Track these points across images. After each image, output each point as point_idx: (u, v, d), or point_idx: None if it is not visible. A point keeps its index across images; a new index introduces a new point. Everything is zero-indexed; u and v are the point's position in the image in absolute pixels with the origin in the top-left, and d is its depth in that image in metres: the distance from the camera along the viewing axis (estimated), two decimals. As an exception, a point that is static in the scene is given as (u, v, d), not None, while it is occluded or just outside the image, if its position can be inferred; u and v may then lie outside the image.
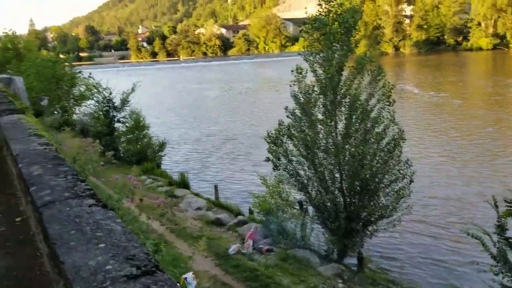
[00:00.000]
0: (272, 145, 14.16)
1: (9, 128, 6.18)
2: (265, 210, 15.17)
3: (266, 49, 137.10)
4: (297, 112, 13.88)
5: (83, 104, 31.13)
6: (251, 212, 16.75)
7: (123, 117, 25.77)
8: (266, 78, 59.67)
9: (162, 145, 25.07)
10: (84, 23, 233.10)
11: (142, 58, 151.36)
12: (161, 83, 60.79)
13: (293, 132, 13.87)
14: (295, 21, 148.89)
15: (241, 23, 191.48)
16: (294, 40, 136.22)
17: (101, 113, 25.96)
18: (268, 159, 13.37)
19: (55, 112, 31.30)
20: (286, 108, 13.99)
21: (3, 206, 5.10)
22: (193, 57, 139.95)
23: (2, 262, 3.65)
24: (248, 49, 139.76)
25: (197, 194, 18.86)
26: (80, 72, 32.54)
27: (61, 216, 2.73)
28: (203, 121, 33.92)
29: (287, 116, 14.14)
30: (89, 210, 2.80)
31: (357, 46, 14.18)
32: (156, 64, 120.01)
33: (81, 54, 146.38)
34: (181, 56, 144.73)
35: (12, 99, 10.44)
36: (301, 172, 13.46)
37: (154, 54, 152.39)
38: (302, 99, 13.63)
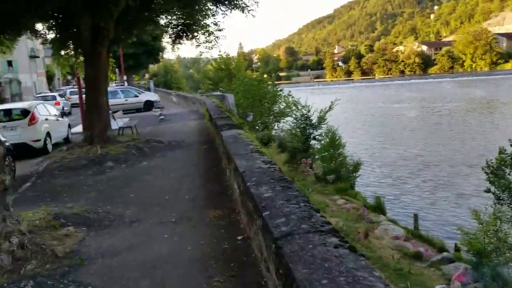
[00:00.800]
0: (492, 176, 12.21)
1: (231, 143, 6.38)
2: (476, 250, 13.14)
3: (473, 66, 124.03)
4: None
5: (282, 120, 32.76)
6: (457, 249, 14.76)
7: (319, 135, 26.09)
8: (474, 99, 53.58)
9: (357, 165, 24.41)
10: (285, 45, 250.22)
11: (336, 77, 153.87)
12: (355, 101, 60.24)
13: (520, 163, 11.73)
14: (510, 36, 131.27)
15: (444, 40, 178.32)
16: (507, 56, 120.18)
17: (298, 130, 26.78)
18: (488, 191, 11.52)
19: (257, 127, 33.69)
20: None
21: (225, 221, 5.16)
22: (390, 76, 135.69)
23: (228, 285, 3.52)
24: (452, 67, 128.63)
25: (393, 222, 17.58)
26: (281, 90, 34.39)
27: (305, 255, 2.31)
28: (400, 142, 31.92)
29: (511, 145, 12.02)
30: (336, 253, 2.31)
31: None
32: (350, 83, 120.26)
33: (280, 74, 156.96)
34: (376, 75, 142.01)
35: (229, 114, 11.25)
36: (528, 211, 11.23)
37: (349, 73, 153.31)
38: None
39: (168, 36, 12.73)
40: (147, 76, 75.89)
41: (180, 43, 12.72)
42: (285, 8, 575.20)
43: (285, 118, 31.35)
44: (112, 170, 8.74)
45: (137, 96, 26.55)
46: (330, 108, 25.72)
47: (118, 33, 11.34)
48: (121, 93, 25.85)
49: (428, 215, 19.84)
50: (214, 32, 12.16)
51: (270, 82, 36.71)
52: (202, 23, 11.78)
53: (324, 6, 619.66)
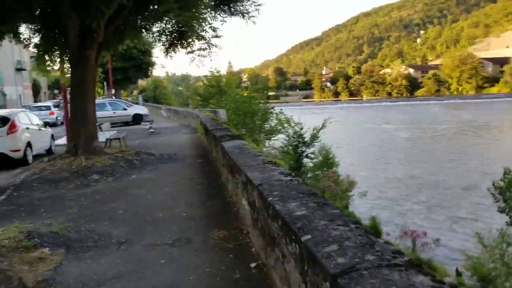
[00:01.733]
0: (500, 198, 11.60)
1: (237, 154, 5.61)
2: (480, 275, 12.45)
3: (460, 90, 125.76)
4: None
5: (272, 138, 32.12)
6: (458, 274, 14.08)
7: (311, 153, 25.43)
8: (463, 121, 53.74)
9: (350, 184, 23.80)
10: (273, 65, 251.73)
11: (325, 97, 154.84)
12: (346, 121, 59.96)
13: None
14: (495, 61, 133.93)
15: (430, 63, 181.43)
16: (493, 81, 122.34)
17: (291, 147, 26.10)
18: (504, 210, 10.87)
19: (247, 144, 32.89)
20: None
21: (232, 243, 4.34)
22: (377, 97, 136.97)
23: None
24: (438, 90, 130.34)
25: (390, 243, 16.91)
26: (273, 107, 33.80)
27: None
28: (393, 163, 31.41)
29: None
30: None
31: None
32: (339, 103, 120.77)
33: (269, 93, 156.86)
34: (364, 96, 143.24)
35: (227, 126, 10.48)
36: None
37: (336, 94, 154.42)
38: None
39: (162, 44, 11.89)
40: (135, 92, 74.98)
41: (174, 51, 11.90)
42: (273, 29, 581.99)
43: (276, 136, 30.77)
44: (98, 184, 7.87)
45: (126, 109, 25.65)
46: (324, 126, 25.04)
47: (108, 38, 10.55)
48: (109, 106, 24.95)
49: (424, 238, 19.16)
50: (211, 39, 11.35)
51: (262, 100, 36.18)
52: (199, 29, 11.00)
53: (312, 28, 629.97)
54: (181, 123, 22.60)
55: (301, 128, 26.86)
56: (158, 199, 6.47)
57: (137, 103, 40.42)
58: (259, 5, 10.60)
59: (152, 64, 49.76)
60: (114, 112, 24.49)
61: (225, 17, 10.64)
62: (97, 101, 24.48)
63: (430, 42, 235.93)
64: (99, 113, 18.49)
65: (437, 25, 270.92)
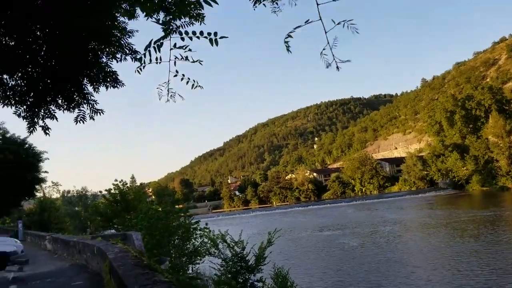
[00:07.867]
0: None
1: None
2: None
3: (364, 190, 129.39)
4: None
5: (197, 261, 25.16)
6: None
7: (258, 280, 18.91)
8: (388, 221, 51.19)
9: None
10: (178, 177, 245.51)
11: (234, 206, 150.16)
12: (265, 230, 54.23)
13: None
14: (391, 161, 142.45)
15: (330, 167, 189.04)
16: (393, 179, 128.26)
17: (229, 275, 19.41)
18: None
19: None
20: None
21: None
22: (287, 203, 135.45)
23: None
24: (344, 192, 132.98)
25: None
26: (197, 222, 27.19)
27: None
28: (352, 281, 25.42)
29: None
30: None
31: None
32: (251, 212, 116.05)
33: (177, 207, 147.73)
34: (274, 203, 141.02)
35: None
36: None
37: (246, 202, 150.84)
38: None
39: (19, 102, 5.16)
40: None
41: (50, 116, 5.32)
42: (176, 141, 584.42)
43: (202, 258, 24.00)
44: None
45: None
46: (270, 242, 19.09)
47: None
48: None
49: None
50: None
51: (182, 214, 29.41)
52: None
53: (214, 139, 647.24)
54: (73, 262, 14.86)
55: (243, 248, 19.95)
56: None
57: (16, 232, 31.20)
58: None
59: (39, 181, 40.82)
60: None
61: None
62: None
63: (326, 147, 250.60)
64: None
65: (329, 132, 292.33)
